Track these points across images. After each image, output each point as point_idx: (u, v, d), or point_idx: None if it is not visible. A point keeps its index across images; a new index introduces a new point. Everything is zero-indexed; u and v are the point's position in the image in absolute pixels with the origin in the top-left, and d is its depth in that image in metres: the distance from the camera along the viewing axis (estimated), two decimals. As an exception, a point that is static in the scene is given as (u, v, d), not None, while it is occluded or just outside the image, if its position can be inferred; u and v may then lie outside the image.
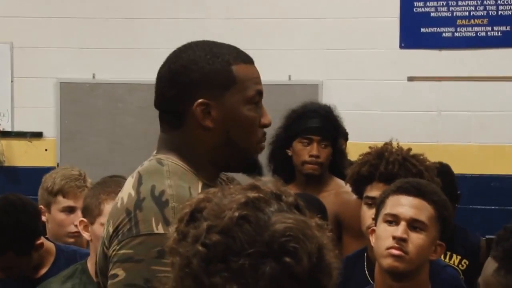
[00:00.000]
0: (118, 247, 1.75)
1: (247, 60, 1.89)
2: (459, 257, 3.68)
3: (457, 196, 3.85)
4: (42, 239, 3.11)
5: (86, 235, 2.85)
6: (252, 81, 1.88)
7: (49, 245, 3.21)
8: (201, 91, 1.83)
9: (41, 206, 3.51)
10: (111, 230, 1.80)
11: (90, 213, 2.82)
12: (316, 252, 1.28)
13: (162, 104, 1.90)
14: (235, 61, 1.86)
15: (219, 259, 1.26)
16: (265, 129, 1.94)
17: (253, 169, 1.94)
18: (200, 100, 1.82)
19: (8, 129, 6.50)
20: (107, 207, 2.70)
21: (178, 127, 1.87)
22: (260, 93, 1.89)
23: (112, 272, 1.74)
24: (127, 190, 1.83)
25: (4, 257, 3.00)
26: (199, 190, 1.81)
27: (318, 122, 3.70)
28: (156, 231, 1.72)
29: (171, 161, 1.85)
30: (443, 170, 3.61)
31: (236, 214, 1.28)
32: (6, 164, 6.44)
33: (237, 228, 1.27)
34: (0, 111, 6.50)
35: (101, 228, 2.63)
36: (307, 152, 3.67)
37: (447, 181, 3.43)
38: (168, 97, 1.87)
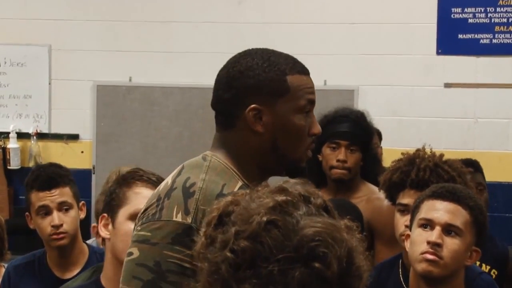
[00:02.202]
0: (139, 228, 1.86)
1: (303, 71, 1.97)
2: (488, 267, 3.63)
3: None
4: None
5: (99, 240, 2.84)
6: (305, 90, 1.95)
7: (83, 245, 3.24)
8: (255, 97, 1.92)
9: None
10: (141, 211, 1.91)
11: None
12: (346, 255, 1.27)
13: (217, 105, 1.99)
14: (290, 71, 1.94)
15: (248, 265, 1.26)
16: None
17: (297, 173, 2.01)
18: (253, 105, 1.91)
19: (45, 131, 6.57)
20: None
21: (230, 128, 1.96)
22: (311, 102, 1.96)
23: (129, 250, 1.86)
24: (167, 179, 1.93)
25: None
26: (236, 189, 1.87)
27: (346, 126, 3.68)
28: (174, 219, 1.81)
29: (215, 158, 1.94)
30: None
31: (264, 219, 1.28)
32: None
33: (265, 233, 1.27)
34: (38, 113, 6.58)
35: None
36: (334, 156, 3.64)
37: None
38: (223, 99, 1.96)
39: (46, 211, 3.16)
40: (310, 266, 1.24)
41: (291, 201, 1.31)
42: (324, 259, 1.25)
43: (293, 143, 1.95)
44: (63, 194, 3.17)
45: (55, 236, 3.14)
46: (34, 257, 3.27)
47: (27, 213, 3.24)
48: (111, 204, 2.50)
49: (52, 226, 3.13)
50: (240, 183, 1.91)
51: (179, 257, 1.77)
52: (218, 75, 1.99)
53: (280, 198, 1.32)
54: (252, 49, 2.00)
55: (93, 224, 2.87)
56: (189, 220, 1.79)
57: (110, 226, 2.56)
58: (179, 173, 1.91)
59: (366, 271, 1.32)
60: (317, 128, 1.98)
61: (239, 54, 1.99)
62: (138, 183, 2.50)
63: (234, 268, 1.26)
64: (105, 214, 2.60)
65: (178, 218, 1.80)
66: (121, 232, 2.42)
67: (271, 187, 1.37)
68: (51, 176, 3.21)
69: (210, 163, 1.92)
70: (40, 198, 3.17)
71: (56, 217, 3.13)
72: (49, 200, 3.15)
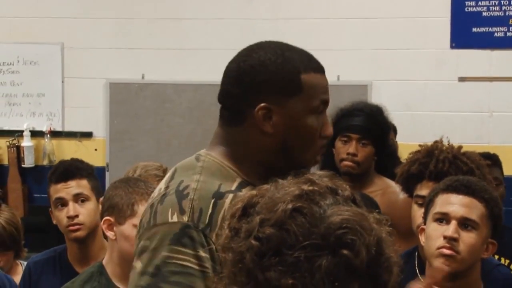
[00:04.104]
0: (138, 241, 1.79)
1: (318, 69, 1.85)
2: (507, 261, 3.60)
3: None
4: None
5: (110, 234, 2.72)
6: (319, 90, 1.84)
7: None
8: (266, 94, 1.80)
9: None
10: (139, 225, 1.84)
11: (120, 213, 2.70)
12: (375, 244, 1.24)
13: (225, 100, 1.88)
14: (305, 70, 1.82)
15: (273, 252, 1.22)
16: None
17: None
18: (263, 104, 1.80)
19: (59, 129, 6.58)
20: (142, 209, 2.61)
21: (236, 125, 1.85)
22: (325, 103, 1.86)
23: (134, 264, 1.78)
24: (160, 185, 1.85)
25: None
26: (233, 188, 1.80)
27: (359, 120, 3.67)
28: (170, 221, 1.73)
29: (210, 157, 1.85)
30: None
31: (290, 206, 1.24)
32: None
33: (291, 220, 1.23)
34: (51, 111, 6.59)
35: (133, 229, 2.57)
36: (345, 150, 3.64)
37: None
38: (232, 94, 1.85)
39: (62, 202, 3.18)
40: (338, 254, 1.20)
41: (317, 191, 1.28)
42: (352, 246, 1.21)
43: (303, 145, 1.83)
44: (80, 186, 3.18)
45: (71, 228, 3.14)
46: (54, 252, 3.29)
47: (50, 209, 3.25)
48: None
49: (68, 217, 3.14)
50: (238, 180, 1.82)
51: (179, 257, 1.69)
52: (228, 68, 1.88)
53: (307, 187, 1.28)
54: (266, 42, 1.88)
55: (106, 217, 2.86)
56: (185, 219, 1.72)
57: None
58: (172, 177, 1.83)
59: (396, 264, 1.28)
60: (329, 130, 1.87)
61: (251, 46, 1.88)
62: None
63: (259, 256, 1.23)
64: None
65: (174, 219, 1.73)
66: None
67: (297, 179, 1.33)
68: (67, 168, 3.23)
69: (204, 163, 1.82)
70: (57, 190, 3.19)
71: (71, 208, 3.14)
72: (65, 191, 3.17)
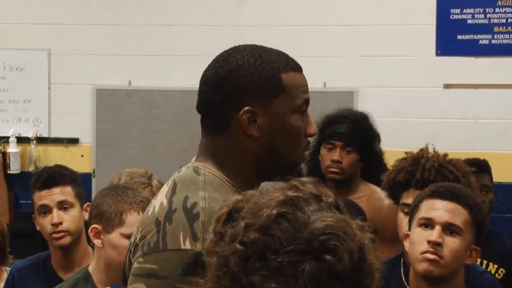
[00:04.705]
0: (142, 260, 1.69)
1: (296, 68, 1.83)
2: (495, 266, 3.62)
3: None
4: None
5: (97, 242, 2.69)
6: (301, 89, 1.82)
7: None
8: (248, 98, 1.78)
9: None
10: (138, 238, 1.74)
11: (108, 221, 2.66)
12: (358, 250, 1.25)
13: (205, 108, 1.84)
14: (284, 69, 1.80)
15: (257, 257, 1.24)
16: None
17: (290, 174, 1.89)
18: (246, 108, 1.77)
19: (45, 135, 6.56)
20: (130, 218, 2.62)
21: (221, 133, 1.82)
22: (307, 102, 1.83)
23: (133, 285, 1.68)
24: (160, 198, 1.77)
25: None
26: None
27: (343, 128, 3.71)
28: (183, 247, 1.64)
29: (208, 170, 1.80)
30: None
31: (274, 211, 1.26)
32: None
33: (275, 225, 1.25)
34: (37, 117, 6.57)
35: (121, 238, 2.60)
36: (330, 157, 3.68)
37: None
38: (213, 102, 1.81)
39: (46, 210, 3.17)
40: (321, 259, 1.22)
41: (302, 197, 1.30)
42: (336, 252, 1.23)
43: (290, 145, 1.81)
44: (64, 193, 3.18)
45: (55, 235, 3.14)
46: (38, 259, 3.29)
47: (33, 215, 3.24)
48: None
49: (52, 225, 3.13)
50: (236, 195, 1.75)
51: None
52: (205, 76, 1.84)
53: (291, 193, 1.30)
54: (240, 45, 1.85)
55: (93, 226, 2.85)
56: (199, 246, 1.62)
57: None
58: (173, 192, 1.75)
59: (378, 270, 1.30)
60: (313, 129, 1.85)
61: (227, 52, 1.84)
62: None
63: (244, 260, 1.25)
64: None
65: (187, 245, 1.64)
66: None
67: (282, 185, 1.35)
68: (51, 175, 3.22)
69: (205, 177, 1.77)
70: (41, 197, 3.19)
71: (56, 215, 3.14)
72: (49, 199, 3.17)
